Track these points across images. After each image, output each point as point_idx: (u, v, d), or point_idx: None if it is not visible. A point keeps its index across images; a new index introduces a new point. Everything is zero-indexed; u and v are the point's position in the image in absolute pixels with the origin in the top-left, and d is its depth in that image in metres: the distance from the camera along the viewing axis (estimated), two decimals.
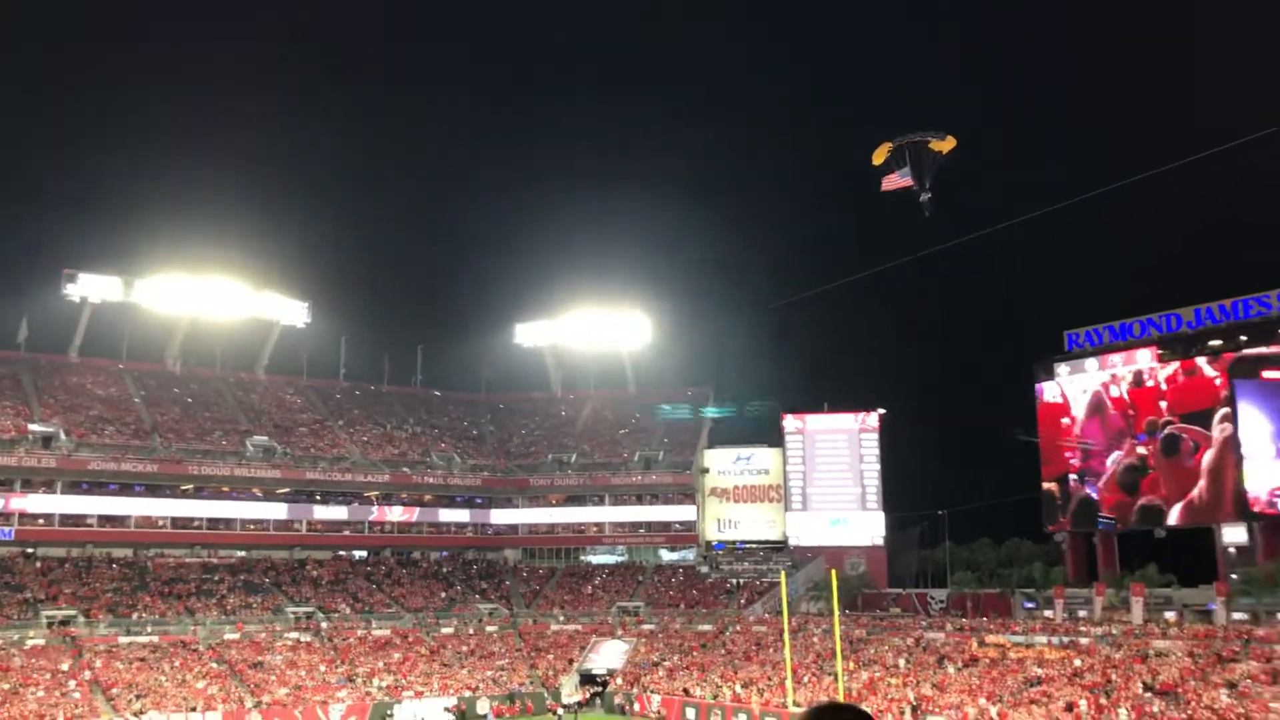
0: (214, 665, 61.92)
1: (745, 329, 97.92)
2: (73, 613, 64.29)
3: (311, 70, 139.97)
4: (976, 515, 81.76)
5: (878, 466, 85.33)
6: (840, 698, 50.61)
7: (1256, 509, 63.44)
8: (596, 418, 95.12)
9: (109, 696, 56.22)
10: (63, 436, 71.60)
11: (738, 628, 71.66)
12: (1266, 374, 64.71)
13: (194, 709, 55.93)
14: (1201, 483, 65.86)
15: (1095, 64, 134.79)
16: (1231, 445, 64.81)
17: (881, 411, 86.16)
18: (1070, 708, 47.29)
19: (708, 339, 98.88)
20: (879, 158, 33.38)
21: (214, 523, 75.63)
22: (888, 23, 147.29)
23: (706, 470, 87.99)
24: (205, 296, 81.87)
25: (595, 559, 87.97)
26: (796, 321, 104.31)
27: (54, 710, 53.34)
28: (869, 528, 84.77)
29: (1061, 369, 73.70)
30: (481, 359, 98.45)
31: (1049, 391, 74.26)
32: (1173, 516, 66.79)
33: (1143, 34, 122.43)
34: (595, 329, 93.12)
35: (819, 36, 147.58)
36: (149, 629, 64.59)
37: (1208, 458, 65.53)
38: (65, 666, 58.38)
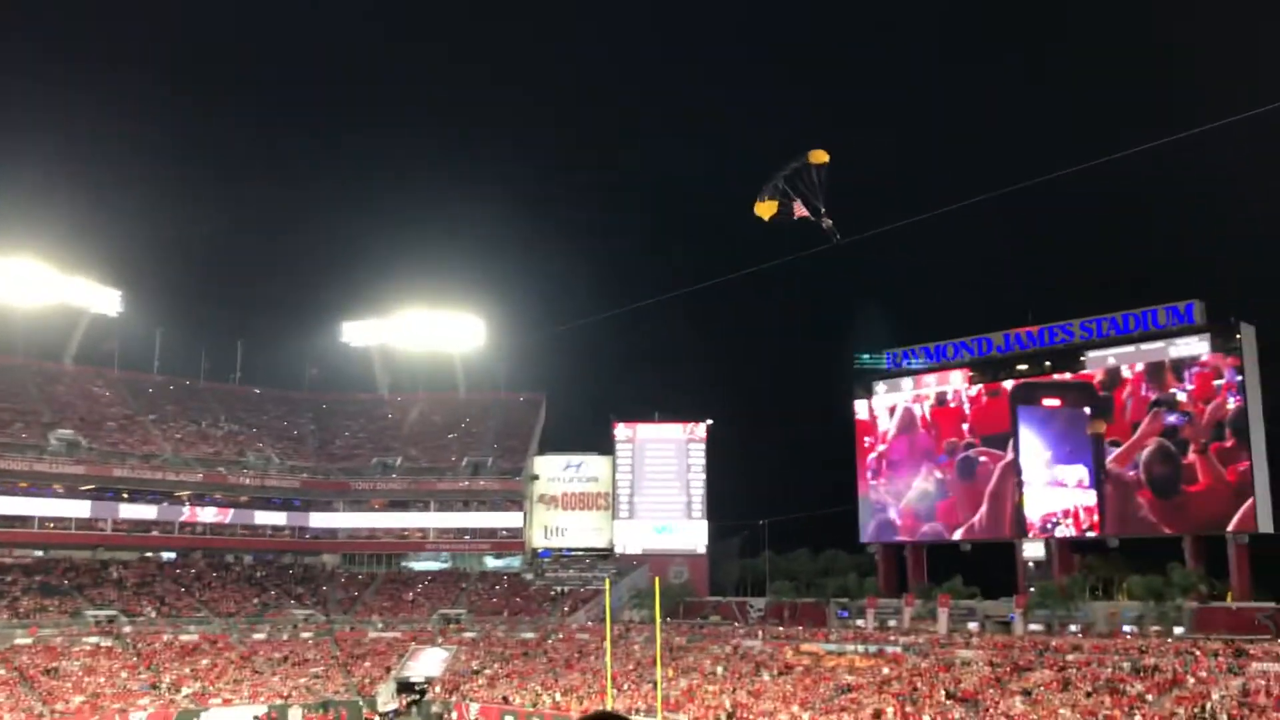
0: (2, 672, 58.02)
1: (579, 335, 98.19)
2: None
3: (131, 55, 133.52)
4: (796, 526, 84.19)
5: (704, 476, 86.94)
6: (659, 705, 51.24)
7: (1031, 534, 67.63)
8: (424, 421, 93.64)
9: None
10: None
11: (560, 635, 71.68)
12: (1046, 401, 68.96)
13: None
14: (984, 507, 69.90)
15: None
16: (1012, 470, 68.84)
17: (709, 422, 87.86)
18: (878, 715, 49.12)
19: (541, 344, 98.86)
20: (767, 212, 32.83)
21: (8, 520, 70.88)
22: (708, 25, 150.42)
23: (536, 477, 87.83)
24: (7, 278, 76.55)
25: (418, 565, 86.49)
26: (630, 330, 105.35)
27: None
28: (693, 536, 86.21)
29: (880, 387, 76.77)
30: (305, 357, 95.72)
31: (862, 409, 77.23)
32: (957, 535, 70.87)
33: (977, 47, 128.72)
34: (426, 330, 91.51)
35: (647, 43, 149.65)
36: None
37: (991, 482, 69.52)
38: None
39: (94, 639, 64.35)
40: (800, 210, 32.52)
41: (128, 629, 66.69)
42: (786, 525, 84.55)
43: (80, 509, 73.71)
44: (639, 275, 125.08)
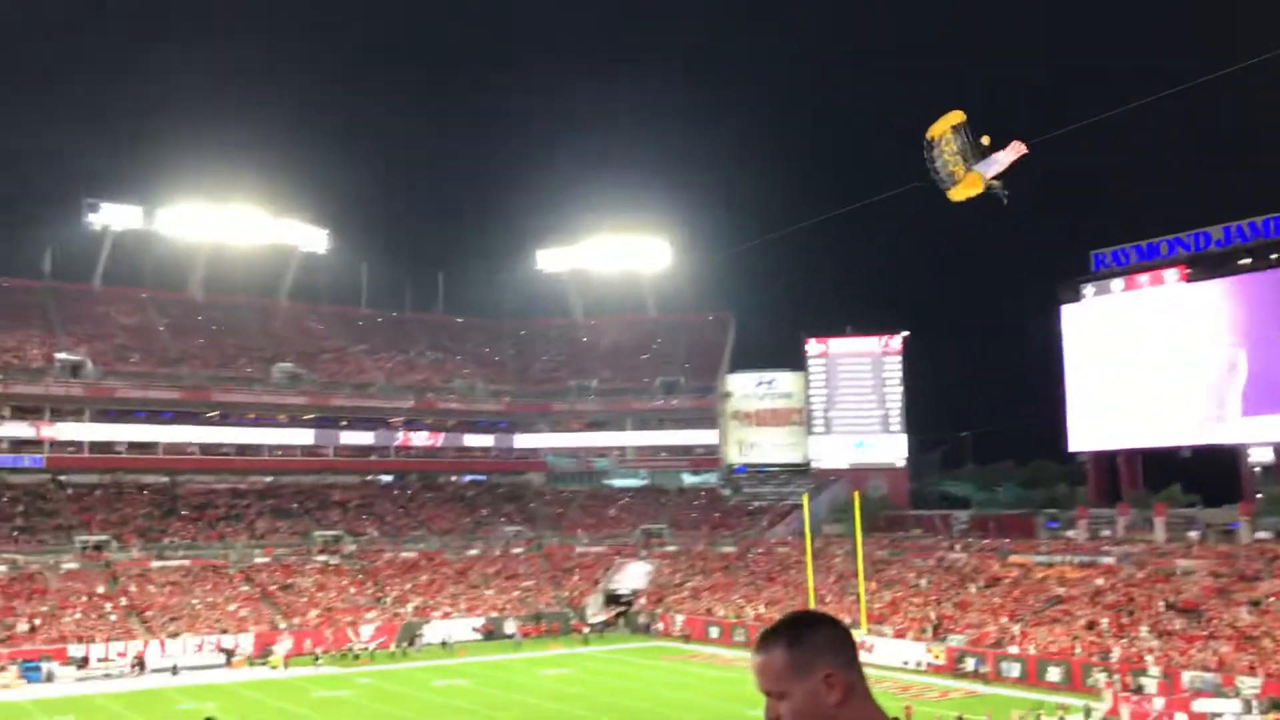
0: (245, 588, 63.08)
1: (766, 253, 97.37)
2: (105, 538, 65.43)
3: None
4: (999, 437, 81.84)
5: (901, 389, 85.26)
6: (863, 617, 51.14)
7: (1257, 437, 63.20)
8: (617, 343, 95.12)
9: (143, 619, 57.43)
10: (89, 365, 72.25)
11: (760, 550, 72.29)
12: (1272, 296, 63.80)
13: (226, 631, 57.10)
14: (1203, 410, 65.58)
15: None
16: (1234, 370, 64.32)
17: (905, 334, 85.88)
18: (1091, 626, 47.64)
19: (729, 262, 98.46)
20: (967, 193, 30.38)
21: (242, 449, 76.49)
22: None
23: (729, 395, 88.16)
24: (226, 224, 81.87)
25: (618, 483, 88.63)
26: (820, 244, 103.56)
27: (91, 632, 54.57)
28: (892, 450, 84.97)
29: (1087, 290, 72.95)
30: (503, 285, 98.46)
31: (1068, 313, 73.66)
32: (1175, 441, 66.80)
33: None
34: (615, 254, 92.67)
35: None
36: (180, 553, 65.74)
37: (1212, 383, 65.12)
38: (101, 589, 59.60)
39: (323, 558, 68.98)
40: (1001, 162, 29.95)
41: (352, 548, 71.16)
42: (989, 436, 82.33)
43: (304, 437, 78.69)
44: (825, 188, 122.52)
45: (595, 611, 67.66)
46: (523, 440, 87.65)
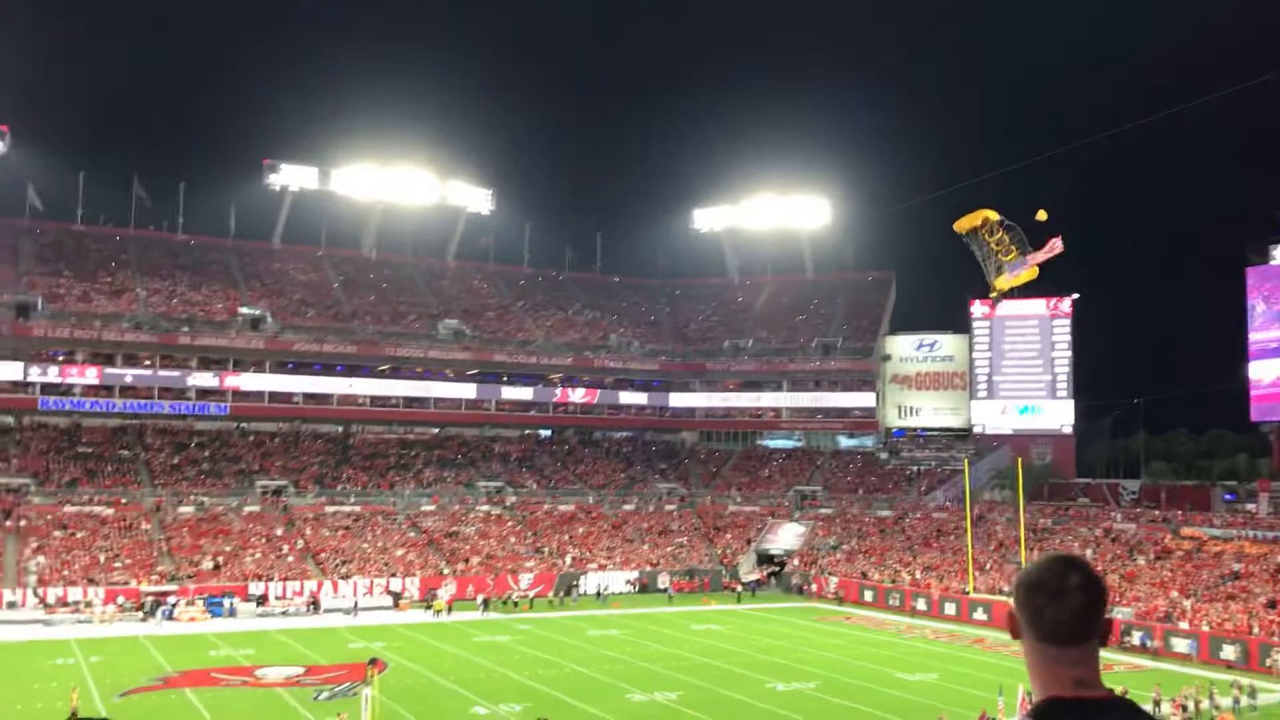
0: (412, 534, 65.76)
1: (928, 211, 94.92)
2: (283, 483, 69.09)
3: None
4: (1173, 404, 78.13)
5: (1069, 353, 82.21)
6: None
7: None
8: (773, 303, 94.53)
9: (318, 560, 60.56)
10: (269, 319, 76.05)
11: (917, 514, 71.13)
12: None
13: (394, 575, 59.71)
14: None
15: None
16: None
17: (1075, 296, 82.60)
18: (1273, 604, 45.26)
19: (891, 220, 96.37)
20: (967, 225, 30.05)
21: (410, 401, 79.46)
22: None
23: (888, 357, 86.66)
24: (395, 185, 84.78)
25: (772, 443, 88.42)
26: (985, 201, 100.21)
27: (270, 571, 57.90)
28: (1058, 416, 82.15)
29: (1277, 251, 68.66)
30: (659, 244, 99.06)
31: (1254, 276, 69.44)
32: None
33: None
34: (773, 213, 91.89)
35: None
36: (352, 499, 68.90)
37: None
38: (280, 532, 63.08)
39: (485, 507, 71.23)
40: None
41: (512, 499, 73.24)
42: (1163, 403, 78.68)
43: (468, 391, 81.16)
44: (988, 147, 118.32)
45: (748, 570, 67.94)
46: (677, 399, 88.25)
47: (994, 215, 28.46)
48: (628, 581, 63.97)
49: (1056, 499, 72.39)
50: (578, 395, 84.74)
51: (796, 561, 68.10)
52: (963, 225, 29.71)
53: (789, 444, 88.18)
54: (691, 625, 52.72)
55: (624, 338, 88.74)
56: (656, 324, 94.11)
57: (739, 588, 64.22)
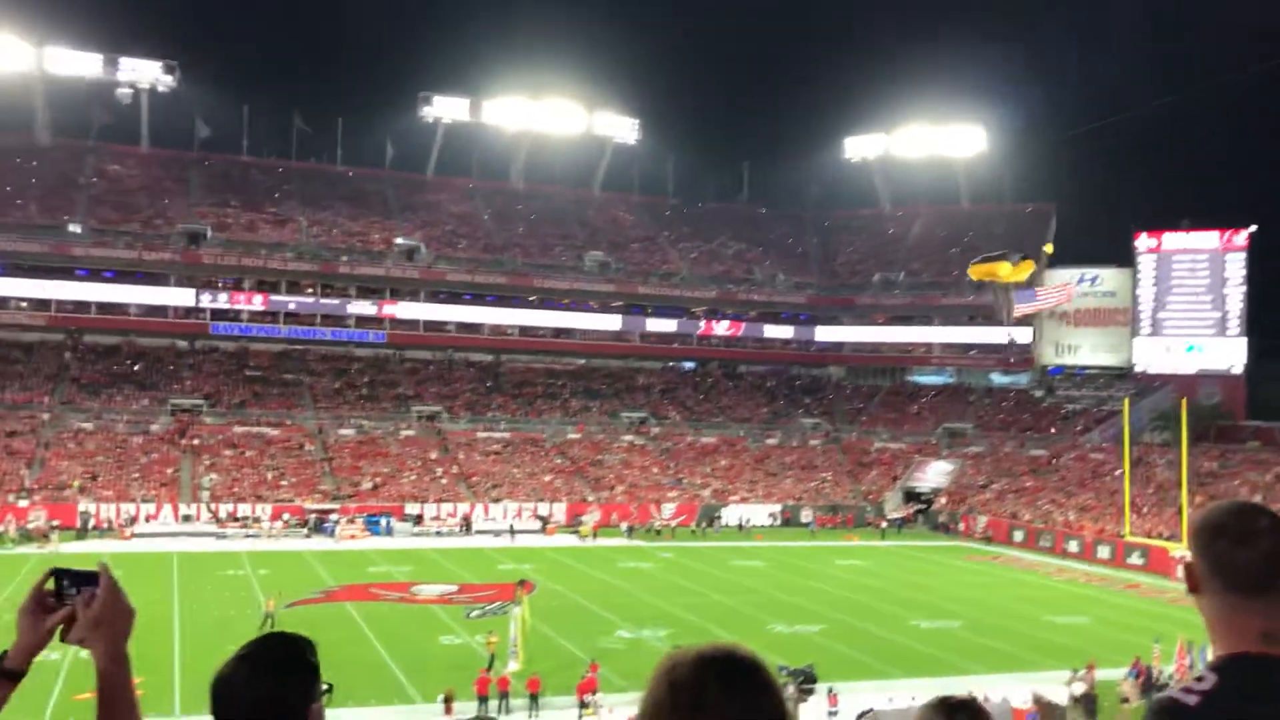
0: (558, 461, 67.15)
1: (1094, 137, 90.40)
2: (437, 409, 71.30)
3: None
4: None
5: (1243, 289, 77.62)
6: (1184, 531, 47.93)
7: None
8: (926, 235, 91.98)
9: (470, 484, 62.51)
10: (423, 250, 78.02)
11: (1072, 455, 68.88)
12: None
13: (541, 500, 61.22)
14: None
15: None
16: None
17: (1253, 229, 77.72)
18: None
19: (1051, 149, 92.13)
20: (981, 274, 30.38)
21: (557, 332, 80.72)
22: None
23: None
24: (544, 116, 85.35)
25: (921, 379, 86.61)
26: (1155, 128, 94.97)
27: (425, 492, 60.10)
28: (1228, 355, 77.95)
29: None
30: (807, 175, 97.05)
31: None
32: None
33: None
34: (927, 142, 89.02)
35: None
36: (502, 426, 70.68)
37: None
38: (434, 455, 65.26)
39: (628, 438, 72.11)
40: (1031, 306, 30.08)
41: (655, 430, 73.91)
42: None
43: (612, 323, 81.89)
44: (1165, 66, 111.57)
45: (894, 508, 67.18)
46: (823, 333, 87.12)
47: (1007, 271, 29.10)
48: (770, 515, 64.06)
49: (1224, 442, 68.94)
50: (722, 328, 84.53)
51: (944, 500, 66.97)
52: (978, 273, 30.72)
53: (939, 380, 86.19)
54: (835, 560, 52.55)
55: (770, 270, 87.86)
56: (804, 256, 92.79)
57: (884, 524, 63.63)
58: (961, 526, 63.01)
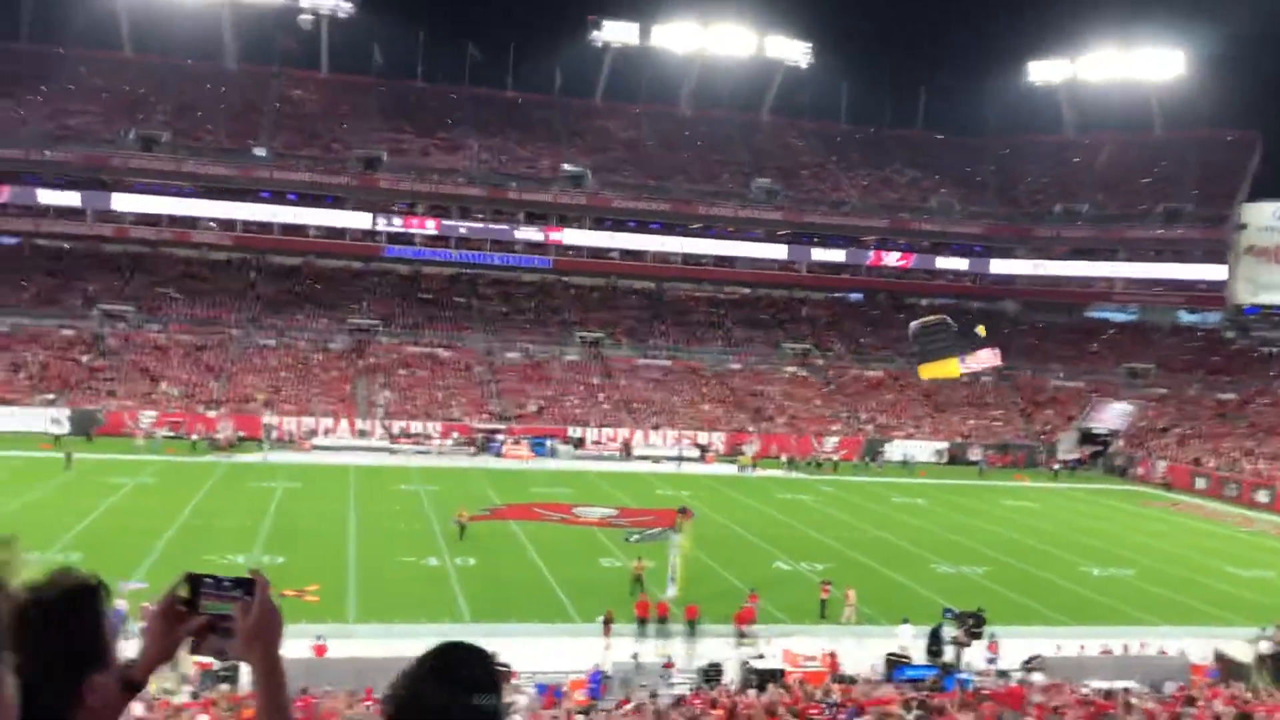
0: (719, 390, 67.03)
1: None
2: (600, 335, 71.97)
3: None
4: None
5: None
6: None
7: None
8: (1114, 163, 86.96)
9: (630, 410, 63.07)
10: (589, 176, 78.27)
11: (1266, 400, 64.75)
12: None
13: (700, 429, 61.30)
14: None
15: None
16: None
17: None
18: None
19: (1259, 71, 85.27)
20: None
21: (720, 260, 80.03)
22: None
23: (1244, 226, 77.98)
24: (713, 40, 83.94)
25: (1102, 315, 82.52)
26: None
27: (587, 416, 60.99)
28: None
29: None
30: (988, 100, 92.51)
31: None
32: None
33: None
34: (1118, 65, 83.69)
35: None
36: (663, 354, 70.90)
37: None
38: (596, 380, 66.06)
39: (791, 369, 71.33)
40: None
41: (819, 362, 72.87)
42: None
43: (778, 252, 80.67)
44: None
45: (1068, 449, 64.65)
46: (998, 265, 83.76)
47: (955, 369, 31.50)
48: (935, 452, 62.58)
49: None
50: (892, 259, 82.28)
51: (1121, 442, 64.06)
52: (927, 373, 33.24)
53: (1121, 317, 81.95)
54: (1003, 501, 51.06)
55: (945, 199, 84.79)
56: (981, 185, 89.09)
57: (1056, 466, 61.38)
58: (1139, 471, 60.25)
